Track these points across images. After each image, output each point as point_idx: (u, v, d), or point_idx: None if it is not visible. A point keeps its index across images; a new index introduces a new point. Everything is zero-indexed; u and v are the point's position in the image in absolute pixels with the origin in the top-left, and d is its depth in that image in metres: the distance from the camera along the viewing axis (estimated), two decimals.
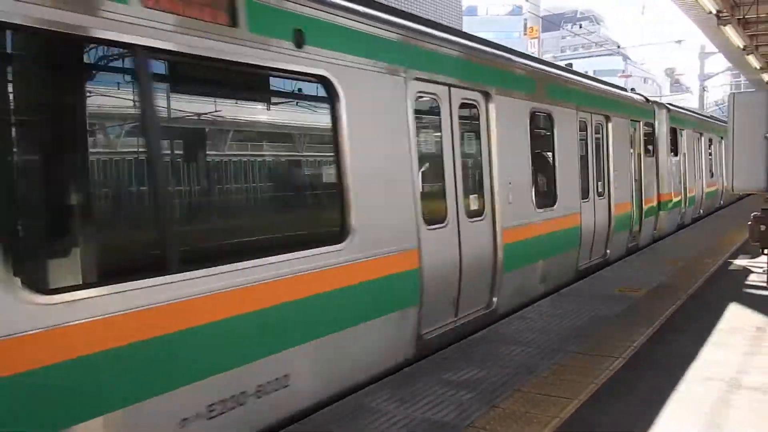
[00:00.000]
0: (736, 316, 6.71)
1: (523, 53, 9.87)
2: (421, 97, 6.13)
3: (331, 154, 5.04)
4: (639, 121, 12.63)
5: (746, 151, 7.27)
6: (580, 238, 9.53)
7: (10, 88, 3.19)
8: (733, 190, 7.93)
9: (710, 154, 19.49)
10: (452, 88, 6.48)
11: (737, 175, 7.66)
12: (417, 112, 5.97)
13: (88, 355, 3.18)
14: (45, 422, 3.05)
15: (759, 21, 16.05)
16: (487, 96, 7.04)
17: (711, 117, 26.03)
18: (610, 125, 10.75)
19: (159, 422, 3.53)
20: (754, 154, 7.17)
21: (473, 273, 6.62)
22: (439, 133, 6.43)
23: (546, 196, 8.60)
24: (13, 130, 3.24)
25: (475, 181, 7.05)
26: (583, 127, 9.84)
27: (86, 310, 3.17)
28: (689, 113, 18.17)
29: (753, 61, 17.31)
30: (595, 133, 10.39)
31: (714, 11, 11.06)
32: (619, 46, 63.91)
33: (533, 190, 8.01)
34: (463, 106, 6.74)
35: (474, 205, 6.90)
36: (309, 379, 4.60)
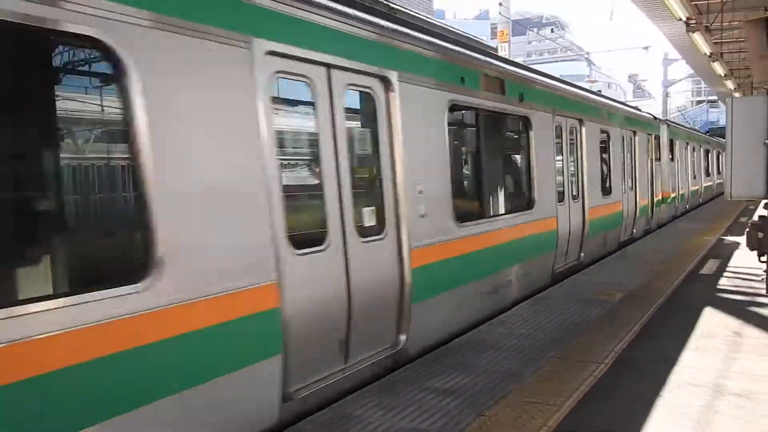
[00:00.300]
0: (711, 320, 6.77)
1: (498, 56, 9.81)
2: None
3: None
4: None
5: (744, 157, 7.24)
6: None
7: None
8: (731, 197, 7.78)
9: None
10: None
11: (735, 182, 7.47)
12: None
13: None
14: None
15: (723, 29, 16.44)
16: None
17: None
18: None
19: None
20: (753, 161, 7.14)
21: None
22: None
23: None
24: None
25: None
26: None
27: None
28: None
29: (718, 68, 17.69)
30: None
31: (684, 18, 11.21)
32: (588, 53, 64.96)
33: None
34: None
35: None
36: None
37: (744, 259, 10.80)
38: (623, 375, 5.15)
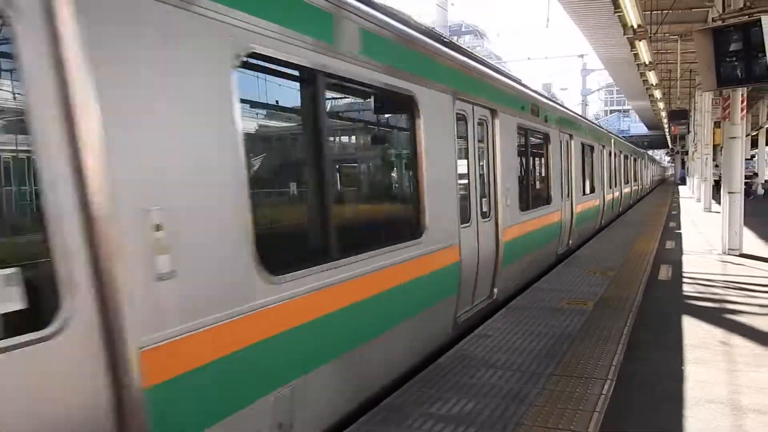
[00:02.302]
0: (694, 330, 6.63)
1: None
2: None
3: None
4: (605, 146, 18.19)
5: None
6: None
7: None
8: None
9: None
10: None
11: None
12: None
13: None
14: None
15: (657, 39, 16.93)
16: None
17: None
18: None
19: None
20: None
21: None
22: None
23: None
24: None
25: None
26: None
27: None
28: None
29: (652, 77, 18.20)
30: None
31: (635, 25, 11.32)
32: (505, 62, 66.51)
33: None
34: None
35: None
36: None
37: (694, 264, 10.97)
38: (633, 392, 4.84)
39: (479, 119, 7.57)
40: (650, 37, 13.47)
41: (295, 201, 4.66)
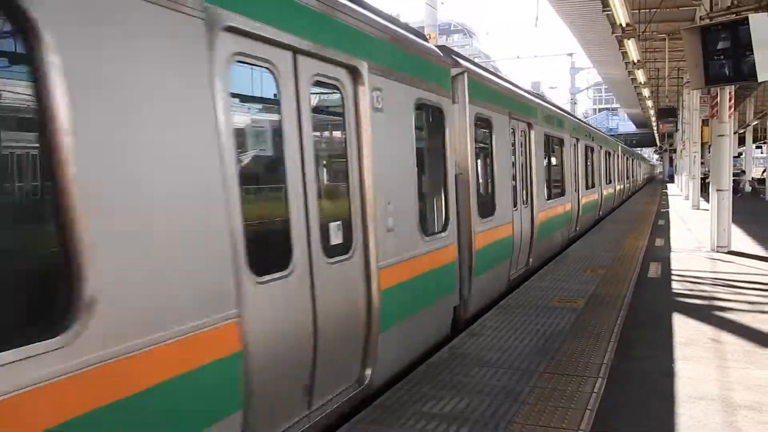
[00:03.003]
0: (685, 327, 6.67)
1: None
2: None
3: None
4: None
5: None
6: None
7: None
8: None
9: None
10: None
11: None
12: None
13: None
14: None
15: (646, 38, 17.01)
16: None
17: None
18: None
19: None
20: None
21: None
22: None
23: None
24: None
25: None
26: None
27: None
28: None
29: (640, 75, 18.30)
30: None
31: (624, 24, 11.36)
32: (494, 60, 66.79)
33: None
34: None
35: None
36: None
37: (683, 262, 11.04)
38: (625, 390, 4.86)
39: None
40: (638, 35, 13.53)
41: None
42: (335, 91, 4.60)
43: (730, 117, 11.99)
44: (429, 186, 6.54)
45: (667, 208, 24.61)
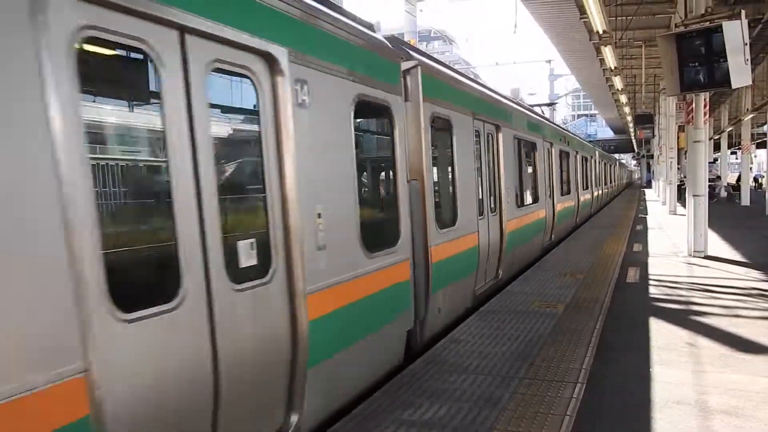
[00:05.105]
0: (662, 332, 6.72)
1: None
2: None
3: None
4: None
5: None
6: None
7: None
8: None
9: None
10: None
11: None
12: None
13: None
14: None
15: (623, 45, 17.21)
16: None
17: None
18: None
19: None
20: None
21: None
22: None
23: None
24: None
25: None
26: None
27: None
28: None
29: (617, 82, 18.51)
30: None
31: (601, 31, 11.49)
32: (474, 67, 67.25)
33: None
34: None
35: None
36: None
37: (661, 267, 11.15)
38: (604, 395, 4.88)
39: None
40: (615, 42, 13.68)
41: None
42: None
43: (705, 123, 12.15)
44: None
45: (645, 214, 24.89)
